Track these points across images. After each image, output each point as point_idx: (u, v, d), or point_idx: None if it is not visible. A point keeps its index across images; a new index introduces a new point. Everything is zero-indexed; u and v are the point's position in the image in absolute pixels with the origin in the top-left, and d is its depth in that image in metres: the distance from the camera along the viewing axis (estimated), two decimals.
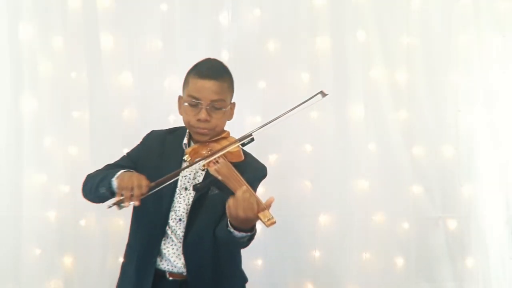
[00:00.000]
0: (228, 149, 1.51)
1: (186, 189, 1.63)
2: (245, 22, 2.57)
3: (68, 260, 2.52)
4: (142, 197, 1.42)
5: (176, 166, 1.60)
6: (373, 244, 2.59)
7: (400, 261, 2.60)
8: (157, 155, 1.67)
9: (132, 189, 1.40)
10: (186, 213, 1.60)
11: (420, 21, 2.59)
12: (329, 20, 2.58)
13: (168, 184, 1.50)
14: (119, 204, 1.42)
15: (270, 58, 2.57)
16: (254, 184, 1.59)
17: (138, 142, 1.80)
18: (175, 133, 1.72)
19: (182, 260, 1.60)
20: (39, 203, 2.49)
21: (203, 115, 1.57)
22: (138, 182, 1.42)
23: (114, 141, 2.52)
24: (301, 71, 2.58)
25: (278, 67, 2.57)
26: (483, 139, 2.62)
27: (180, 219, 1.61)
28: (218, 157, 1.49)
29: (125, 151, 2.50)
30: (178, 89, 2.52)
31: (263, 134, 2.37)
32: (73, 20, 2.50)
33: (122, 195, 1.41)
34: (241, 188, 1.36)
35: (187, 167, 1.53)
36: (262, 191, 1.85)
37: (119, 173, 1.51)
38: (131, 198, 1.40)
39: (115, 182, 1.48)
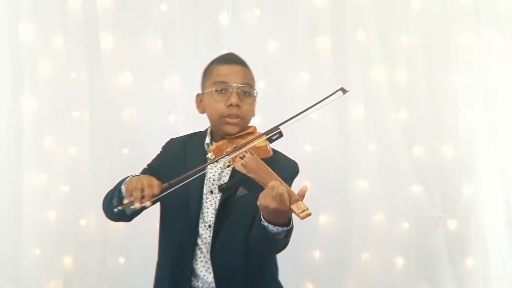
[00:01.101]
0: (255, 142, 1.39)
1: (212, 192, 1.49)
2: (245, 22, 2.57)
3: (68, 260, 2.52)
4: (154, 198, 1.30)
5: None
6: (373, 244, 2.59)
7: (400, 261, 2.60)
8: (179, 161, 1.53)
9: (142, 190, 1.28)
10: (215, 217, 1.46)
11: (420, 21, 2.60)
12: (329, 20, 2.58)
13: (188, 182, 1.37)
14: (128, 206, 1.30)
15: (270, 58, 2.57)
16: (286, 182, 1.40)
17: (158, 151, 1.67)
18: (195, 137, 1.62)
19: (212, 274, 1.45)
20: (39, 203, 2.49)
21: (234, 99, 1.45)
22: (149, 182, 1.30)
23: (114, 141, 2.53)
24: (301, 71, 2.58)
25: (278, 67, 2.57)
26: (483, 139, 2.62)
27: (209, 226, 1.46)
28: (244, 151, 1.36)
29: (125, 151, 2.54)
30: (178, 89, 2.57)
31: None
32: (73, 20, 2.51)
33: (131, 197, 1.29)
34: (273, 180, 1.23)
35: (207, 164, 1.41)
36: None
37: (128, 178, 1.41)
38: (141, 199, 1.28)
39: (123, 187, 1.38)
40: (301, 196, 1.23)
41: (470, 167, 2.61)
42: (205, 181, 1.49)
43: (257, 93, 1.54)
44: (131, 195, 1.30)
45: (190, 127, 2.53)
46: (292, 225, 1.32)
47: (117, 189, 1.44)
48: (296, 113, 1.46)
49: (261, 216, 1.29)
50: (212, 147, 1.47)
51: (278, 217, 1.26)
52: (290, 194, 1.22)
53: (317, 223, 2.57)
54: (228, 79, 1.47)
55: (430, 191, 2.60)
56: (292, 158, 1.58)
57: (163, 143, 2.62)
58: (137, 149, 2.53)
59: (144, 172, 1.58)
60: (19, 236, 2.48)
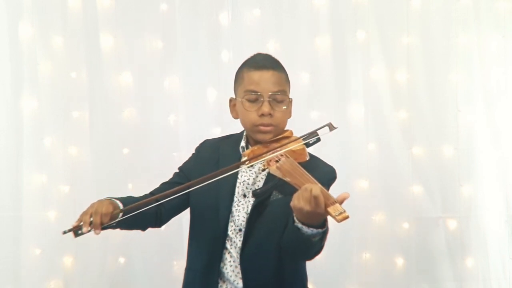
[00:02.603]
0: (291, 146, 1.36)
1: (245, 196, 1.44)
2: (245, 22, 2.57)
3: (68, 260, 2.52)
4: (104, 225, 1.30)
5: (233, 173, 1.42)
6: (373, 244, 2.59)
7: (400, 261, 2.60)
8: (212, 164, 1.49)
9: (91, 215, 1.30)
10: (246, 222, 1.41)
11: (420, 21, 2.59)
12: (329, 20, 2.58)
13: (220, 183, 1.37)
14: (75, 231, 1.31)
15: None
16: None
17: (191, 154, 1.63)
18: (230, 139, 1.57)
19: (242, 280, 1.41)
20: (39, 203, 2.49)
21: (265, 108, 1.40)
22: (98, 209, 1.30)
23: (114, 141, 2.53)
24: (301, 71, 2.58)
25: None
26: (483, 139, 2.61)
27: (240, 230, 1.42)
28: (280, 155, 1.33)
29: (125, 151, 2.54)
30: (178, 89, 2.57)
31: None
32: (73, 20, 2.51)
33: (81, 222, 1.30)
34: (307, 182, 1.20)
35: (234, 166, 1.38)
36: None
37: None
38: (90, 224, 1.29)
39: None
40: (340, 201, 1.20)
41: (470, 167, 2.61)
42: (238, 184, 1.46)
43: (290, 99, 1.50)
44: (81, 218, 1.31)
45: (190, 127, 2.55)
46: (328, 227, 1.26)
47: None
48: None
49: (294, 217, 1.25)
50: (247, 152, 1.44)
51: (313, 219, 1.22)
52: (326, 196, 1.18)
53: None
54: (259, 88, 1.42)
55: (430, 191, 2.60)
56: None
57: (163, 143, 2.63)
58: (137, 149, 2.54)
59: (176, 176, 1.57)
60: (19, 236, 2.48)
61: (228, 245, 1.43)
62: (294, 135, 1.48)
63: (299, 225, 1.24)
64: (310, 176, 1.24)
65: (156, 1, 2.55)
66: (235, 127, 1.72)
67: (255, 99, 1.42)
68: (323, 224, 1.25)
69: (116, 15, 2.53)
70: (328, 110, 2.56)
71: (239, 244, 1.41)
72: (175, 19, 2.55)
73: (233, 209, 1.43)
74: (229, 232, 1.43)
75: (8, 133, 2.49)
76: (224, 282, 1.43)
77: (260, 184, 1.45)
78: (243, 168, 1.45)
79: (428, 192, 2.60)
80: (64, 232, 1.34)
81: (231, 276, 1.43)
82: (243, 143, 1.51)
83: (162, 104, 2.55)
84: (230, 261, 1.43)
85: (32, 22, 2.49)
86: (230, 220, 1.43)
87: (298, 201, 1.18)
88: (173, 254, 2.50)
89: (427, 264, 2.60)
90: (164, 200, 1.41)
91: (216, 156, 1.51)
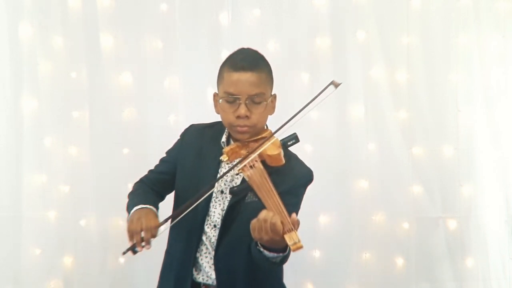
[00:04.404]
0: (268, 151, 1.39)
1: (222, 192, 1.50)
2: (245, 22, 2.57)
3: (68, 260, 2.53)
4: (154, 238, 1.35)
5: (214, 166, 1.50)
6: (373, 244, 2.59)
7: (400, 261, 2.60)
8: (195, 153, 1.55)
9: (141, 232, 1.34)
10: (221, 219, 1.47)
11: (420, 21, 2.59)
12: (329, 20, 2.58)
13: (201, 177, 1.46)
14: (133, 249, 1.37)
15: (270, 58, 2.56)
16: (294, 192, 1.48)
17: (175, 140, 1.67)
18: (215, 127, 1.59)
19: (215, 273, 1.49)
20: (39, 203, 2.50)
21: (242, 110, 1.42)
22: (147, 224, 1.35)
23: (114, 141, 2.53)
24: (301, 71, 2.58)
25: (278, 67, 2.55)
26: (483, 139, 2.61)
27: (215, 225, 1.48)
28: (255, 160, 1.36)
29: (125, 151, 2.54)
30: (178, 89, 2.57)
31: None
32: (73, 20, 2.51)
33: (134, 240, 1.36)
34: (266, 210, 1.24)
35: (215, 182, 1.43)
36: None
37: (132, 211, 1.44)
38: (142, 242, 1.34)
39: (127, 224, 1.42)
40: (293, 223, 1.21)
41: (470, 167, 2.61)
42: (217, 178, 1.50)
43: (273, 95, 1.52)
44: (132, 238, 1.35)
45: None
46: (289, 250, 1.29)
47: (127, 209, 1.50)
48: (293, 114, 1.44)
49: (257, 241, 1.30)
50: (226, 149, 1.46)
51: (273, 245, 1.26)
52: (284, 223, 1.20)
53: (317, 223, 2.57)
54: (236, 90, 1.42)
55: (430, 191, 2.60)
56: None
57: (163, 143, 2.61)
58: (137, 149, 2.54)
59: (163, 164, 1.63)
60: (19, 236, 2.49)
61: (204, 238, 1.49)
62: (274, 136, 1.48)
63: (261, 248, 1.30)
64: (275, 193, 1.27)
65: (156, 1, 2.55)
66: None
67: (233, 101, 1.44)
68: (285, 248, 1.28)
69: (116, 15, 2.53)
70: (328, 110, 2.55)
71: (213, 239, 1.47)
72: (175, 19, 2.55)
73: (210, 204, 1.49)
74: (205, 227, 1.49)
75: (8, 133, 2.49)
76: (199, 271, 1.50)
77: (237, 181, 1.49)
78: (222, 164, 1.49)
79: (428, 192, 2.60)
80: (124, 253, 1.39)
81: (205, 267, 1.49)
82: (224, 138, 1.54)
83: (162, 104, 2.56)
84: (205, 253, 1.49)
85: (32, 22, 2.49)
86: (207, 214, 1.48)
87: (258, 233, 1.23)
88: None
89: (427, 264, 2.60)
90: (189, 209, 1.42)
91: (200, 145, 1.56)
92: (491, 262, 2.61)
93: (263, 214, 1.23)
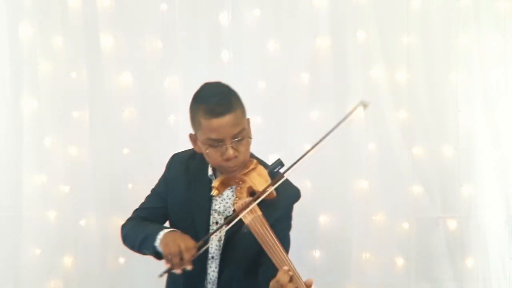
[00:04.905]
0: (262, 196, 1.41)
1: (217, 223, 1.53)
2: (245, 22, 2.56)
3: (68, 260, 2.53)
4: (193, 258, 1.37)
5: (205, 200, 1.53)
6: (373, 244, 2.59)
7: (400, 261, 2.60)
8: (184, 187, 1.57)
9: (180, 254, 1.35)
10: (219, 251, 1.52)
11: (420, 21, 2.59)
12: (329, 20, 2.57)
13: (195, 214, 1.51)
14: (170, 271, 1.39)
15: (270, 58, 2.57)
16: (285, 216, 1.55)
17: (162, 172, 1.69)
18: (197, 159, 1.57)
19: None
20: (39, 203, 2.50)
21: (230, 153, 1.40)
22: (186, 245, 1.36)
23: (114, 141, 2.53)
24: (301, 71, 2.57)
25: (278, 67, 2.56)
26: (483, 139, 2.61)
27: (212, 257, 1.54)
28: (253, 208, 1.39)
29: (125, 151, 2.54)
30: (178, 89, 2.56)
31: (264, 134, 2.39)
32: (73, 20, 2.51)
33: (170, 260, 1.36)
34: (282, 269, 1.31)
35: (231, 218, 1.43)
36: None
37: (161, 236, 1.44)
38: (181, 263, 1.35)
39: (159, 247, 1.42)
40: (308, 286, 1.31)
41: (470, 167, 2.61)
42: (211, 212, 1.54)
43: (247, 120, 1.51)
44: (170, 260, 1.36)
45: (190, 127, 2.55)
46: None
47: (148, 242, 1.47)
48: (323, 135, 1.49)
49: None
50: (215, 183, 1.46)
51: None
52: (295, 280, 1.30)
53: (317, 223, 2.57)
54: (220, 135, 1.40)
55: (430, 191, 2.60)
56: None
57: (163, 143, 2.62)
58: (137, 149, 2.54)
59: (151, 201, 1.65)
60: (19, 236, 2.48)
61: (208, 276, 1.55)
62: (259, 164, 1.50)
63: None
64: (280, 248, 1.35)
65: (156, 1, 2.55)
66: None
67: (217, 145, 1.42)
68: None
69: (116, 15, 2.53)
70: (328, 110, 2.55)
71: (210, 271, 1.54)
72: (175, 19, 2.55)
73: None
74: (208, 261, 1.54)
75: (8, 133, 2.49)
76: None
77: (230, 210, 1.52)
78: (215, 202, 1.54)
79: (428, 192, 2.60)
80: (160, 276, 1.42)
81: None
82: (210, 171, 1.55)
83: (162, 104, 2.55)
84: (209, 282, 1.55)
85: (32, 22, 2.49)
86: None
87: None
88: None
89: (427, 264, 2.60)
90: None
91: (187, 178, 1.57)
92: (491, 262, 2.61)
93: (280, 277, 1.29)
